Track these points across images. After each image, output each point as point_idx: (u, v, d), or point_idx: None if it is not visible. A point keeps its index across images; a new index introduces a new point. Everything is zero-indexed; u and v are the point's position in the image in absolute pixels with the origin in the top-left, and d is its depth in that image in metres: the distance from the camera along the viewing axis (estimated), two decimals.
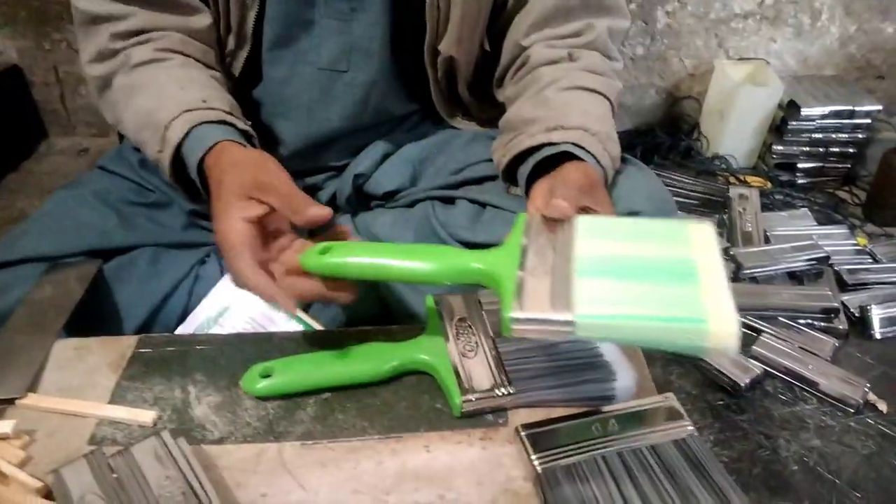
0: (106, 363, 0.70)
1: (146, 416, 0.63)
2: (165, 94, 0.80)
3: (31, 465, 0.59)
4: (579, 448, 0.59)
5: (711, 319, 0.52)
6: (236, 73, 0.92)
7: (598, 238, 0.62)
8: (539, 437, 0.60)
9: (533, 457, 0.58)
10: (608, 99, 0.86)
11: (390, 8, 0.89)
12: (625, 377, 0.66)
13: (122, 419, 0.63)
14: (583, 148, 0.77)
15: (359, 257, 0.64)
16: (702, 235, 0.61)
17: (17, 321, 0.74)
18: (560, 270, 0.58)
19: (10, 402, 0.64)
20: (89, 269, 0.84)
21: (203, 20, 0.87)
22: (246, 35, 0.89)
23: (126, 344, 0.72)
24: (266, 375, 0.65)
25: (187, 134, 0.77)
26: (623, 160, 0.88)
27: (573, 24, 0.90)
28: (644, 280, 0.56)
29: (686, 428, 0.61)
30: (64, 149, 1.95)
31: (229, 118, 0.80)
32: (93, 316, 0.84)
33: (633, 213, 0.84)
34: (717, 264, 0.57)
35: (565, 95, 0.84)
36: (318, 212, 0.66)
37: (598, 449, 0.59)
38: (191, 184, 0.81)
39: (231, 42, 0.90)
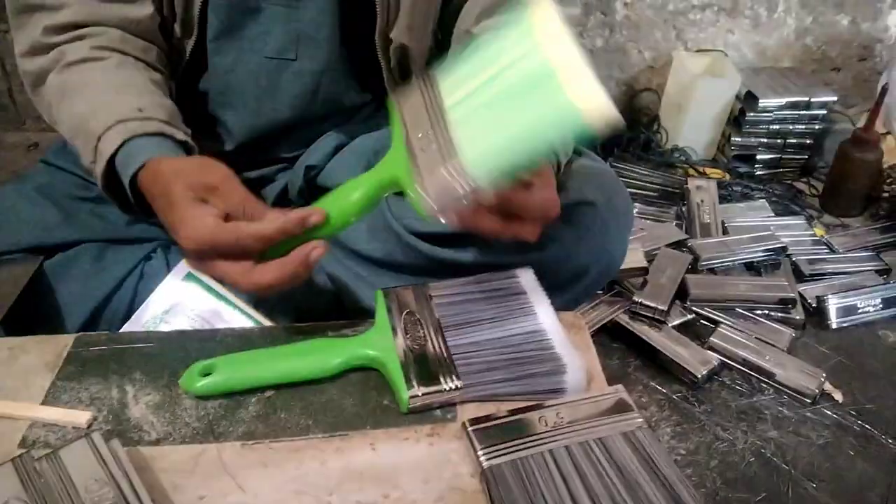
0: (41, 363, 0.67)
1: (81, 417, 0.61)
2: (99, 101, 0.77)
3: None
4: (526, 443, 0.58)
5: (578, 100, 0.55)
6: (182, 62, 0.89)
7: (457, 80, 0.64)
8: (486, 432, 0.59)
9: (479, 452, 0.57)
10: None
11: None
12: (575, 370, 0.65)
13: (56, 421, 0.61)
14: None
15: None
16: (543, 18, 0.61)
17: None
18: (440, 132, 0.61)
19: None
20: (28, 266, 0.82)
21: (144, 9, 0.83)
22: (192, 23, 0.86)
23: (62, 343, 0.70)
24: (207, 373, 0.64)
25: (121, 146, 0.73)
26: (577, 152, 0.88)
27: None
28: (510, 99, 0.59)
29: (636, 421, 0.60)
30: (13, 144, 1.90)
31: (167, 129, 0.76)
32: (34, 314, 0.82)
33: (585, 203, 0.83)
34: (565, 44, 0.58)
35: None
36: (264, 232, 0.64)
37: (545, 443, 0.58)
38: (125, 195, 0.77)
39: (177, 30, 0.87)
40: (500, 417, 0.60)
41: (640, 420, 0.60)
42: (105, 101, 0.76)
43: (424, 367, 0.65)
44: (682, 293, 1.30)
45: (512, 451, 0.57)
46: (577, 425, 0.59)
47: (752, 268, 1.44)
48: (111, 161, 0.74)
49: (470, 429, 0.59)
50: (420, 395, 0.62)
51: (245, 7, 0.86)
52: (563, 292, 0.85)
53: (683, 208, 1.63)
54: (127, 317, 0.84)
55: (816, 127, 1.84)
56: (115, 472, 0.51)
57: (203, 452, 0.59)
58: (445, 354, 0.66)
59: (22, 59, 0.83)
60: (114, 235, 0.91)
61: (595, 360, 0.70)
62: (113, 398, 0.64)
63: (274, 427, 0.61)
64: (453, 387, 0.63)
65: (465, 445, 0.59)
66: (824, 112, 1.83)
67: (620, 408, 0.61)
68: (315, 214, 0.65)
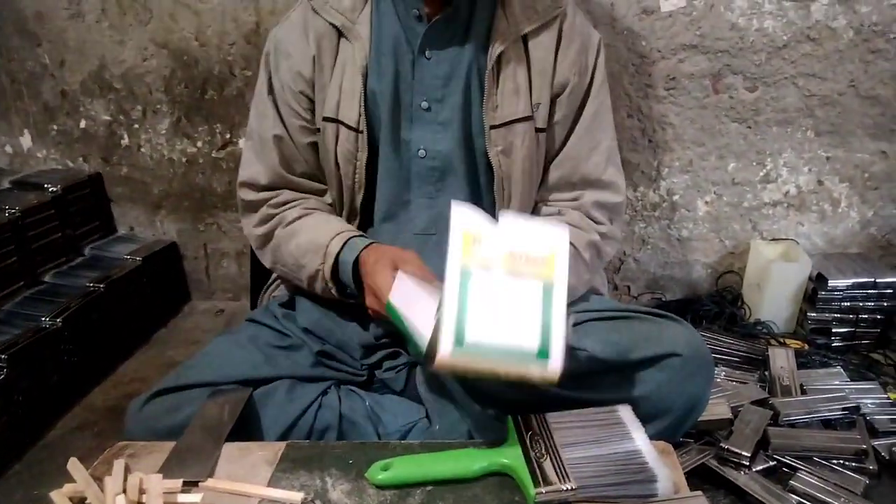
0: (264, 460, 0.84)
1: (296, 497, 0.76)
2: (321, 229, 1.07)
3: None
4: None
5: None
6: None
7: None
8: None
9: None
10: (573, 245, 1.05)
11: (466, 189, 1.11)
12: (664, 480, 0.77)
13: (277, 498, 0.77)
14: None
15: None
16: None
17: (195, 429, 0.90)
18: None
19: (195, 484, 0.79)
20: (244, 394, 1.00)
21: (329, 198, 1.16)
22: (356, 210, 1.13)
23: (278, 447, 0.87)
24: (385, 469, 0.79)
25: (344, 245, 1.03)
26: (671, 318, 1.06)
27: (572, 194, 1.13)
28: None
29: None
30: (204, 309, 2.17)
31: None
32: (243, 430, 0.99)
33: (674, 356, 0.98)
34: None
35: None
36: None
37: None
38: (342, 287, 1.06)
39: (344, 215, 1.15)
40: None
41: None
42: (324, 228, 1.07)
43: (546, 472, 0.78)
44: (764, 444, 1.36)
45: None
46: None
47: (829, 425, 1.47)
48: (336, 257, 1.04)
49: None
50: (543, 492, 0.75)
51: (400, 200, 1.11)
52: (654, 426, 0.97)
53: (766, 373, 1.69)
54: (308, 437, 1.01)
55: (885, 304, 1.90)
56: None
57: None
58: (562, 465, 0.79)
59: (254, 229, 1.14)
60: (301, 374, 1.09)
61: (681, 475, 0.81)
62: (317, 485, 0.79)
63: None
64: (568, 488, 0.76)
65: None
66: (892, 291, 1.89)
67: None
68: None
